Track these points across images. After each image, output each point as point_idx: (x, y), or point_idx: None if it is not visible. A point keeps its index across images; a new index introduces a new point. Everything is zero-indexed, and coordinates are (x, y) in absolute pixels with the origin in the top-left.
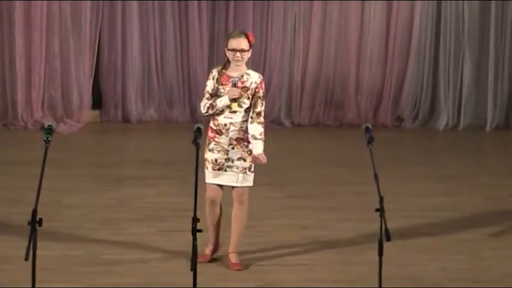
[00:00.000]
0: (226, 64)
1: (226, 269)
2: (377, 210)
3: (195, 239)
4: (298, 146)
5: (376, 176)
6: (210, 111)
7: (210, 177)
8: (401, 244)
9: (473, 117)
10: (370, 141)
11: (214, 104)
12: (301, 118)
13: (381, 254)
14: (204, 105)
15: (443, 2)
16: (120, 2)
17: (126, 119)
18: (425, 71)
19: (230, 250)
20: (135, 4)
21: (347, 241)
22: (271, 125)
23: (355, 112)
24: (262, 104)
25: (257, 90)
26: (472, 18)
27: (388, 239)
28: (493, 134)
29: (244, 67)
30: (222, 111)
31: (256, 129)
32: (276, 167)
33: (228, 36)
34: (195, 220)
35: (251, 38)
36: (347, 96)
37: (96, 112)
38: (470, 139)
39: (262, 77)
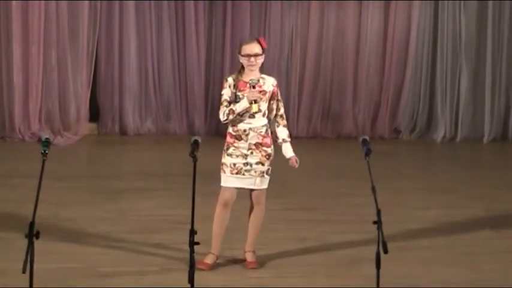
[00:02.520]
0: (240, 71)
1: (223, 281)
2: (374, 222)
3: (192, 251)
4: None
5: (373, 189)
6: (231, 117)
7: (228, 181)
8: (399, 256)
9: (471, 129)
10: (368, 153)
11: (234, 108)
12: (298, 130)
13: (378, 266)
14: (223, 113)
15: (440, 13)
16: (117, 14)
17: (123, 132)
18: (423, 83)
19: (247, 249)
20: (132, 17)
21: (345, 253)
22: None
23: (352, 124)
24: (282, 105)
25: (275, 93)
26: (469, 30)
27: (386, 252)
28: (490, 146)
29: (258, 72)
30: (241, 117)
31: (284, 132)
32: (275, 179)
33: (240, 43)
34: (193, 232)
35: (263, 43)
36: (344, 109)
37: (94, 125)
38: (468, 151)
39: (276, 80)
